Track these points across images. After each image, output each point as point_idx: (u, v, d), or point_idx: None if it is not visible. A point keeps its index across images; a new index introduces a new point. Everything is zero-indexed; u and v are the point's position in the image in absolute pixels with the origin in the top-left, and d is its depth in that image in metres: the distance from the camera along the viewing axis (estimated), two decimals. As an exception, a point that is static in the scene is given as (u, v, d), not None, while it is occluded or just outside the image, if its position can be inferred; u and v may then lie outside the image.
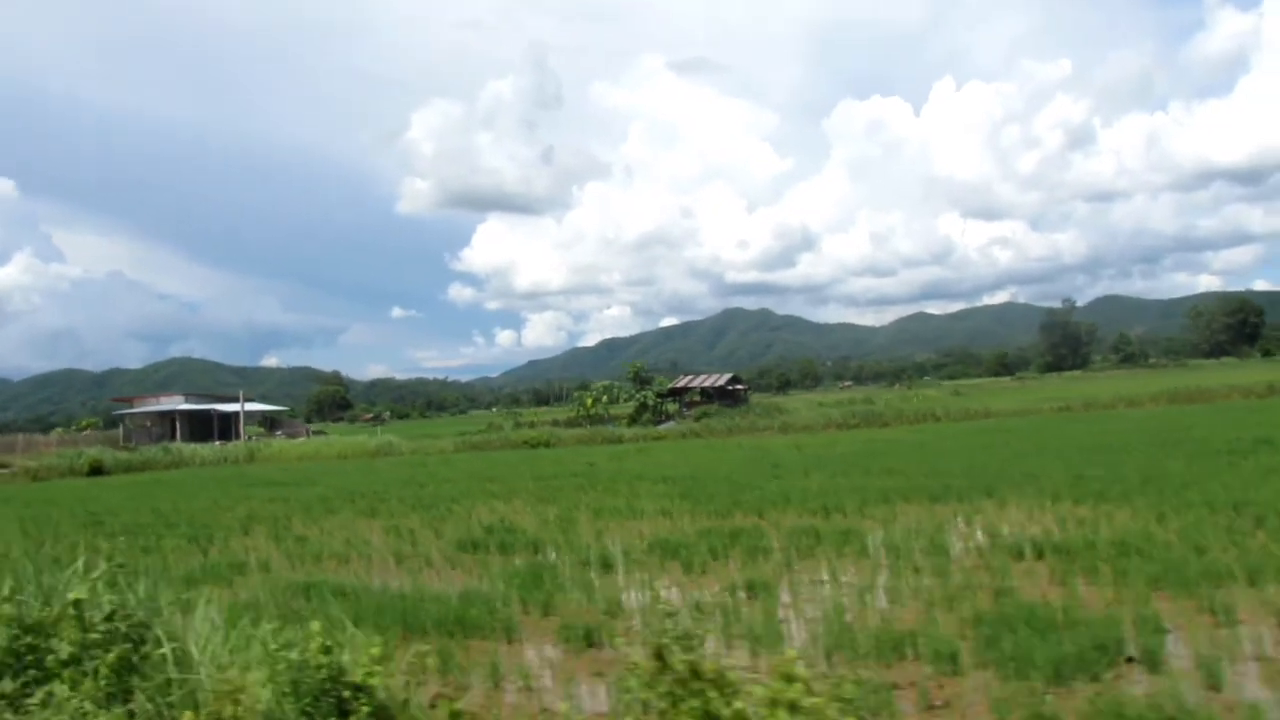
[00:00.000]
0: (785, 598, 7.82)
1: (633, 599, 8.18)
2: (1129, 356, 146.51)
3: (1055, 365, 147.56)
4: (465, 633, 7.26)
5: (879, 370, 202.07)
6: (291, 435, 48.90)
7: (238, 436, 48.39)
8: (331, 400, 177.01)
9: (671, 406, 51.12)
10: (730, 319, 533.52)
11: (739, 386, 53.18)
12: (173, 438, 45.28)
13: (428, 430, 66.37)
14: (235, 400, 51.69)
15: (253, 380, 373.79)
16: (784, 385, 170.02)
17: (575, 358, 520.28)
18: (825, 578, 8.49)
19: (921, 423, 39.63)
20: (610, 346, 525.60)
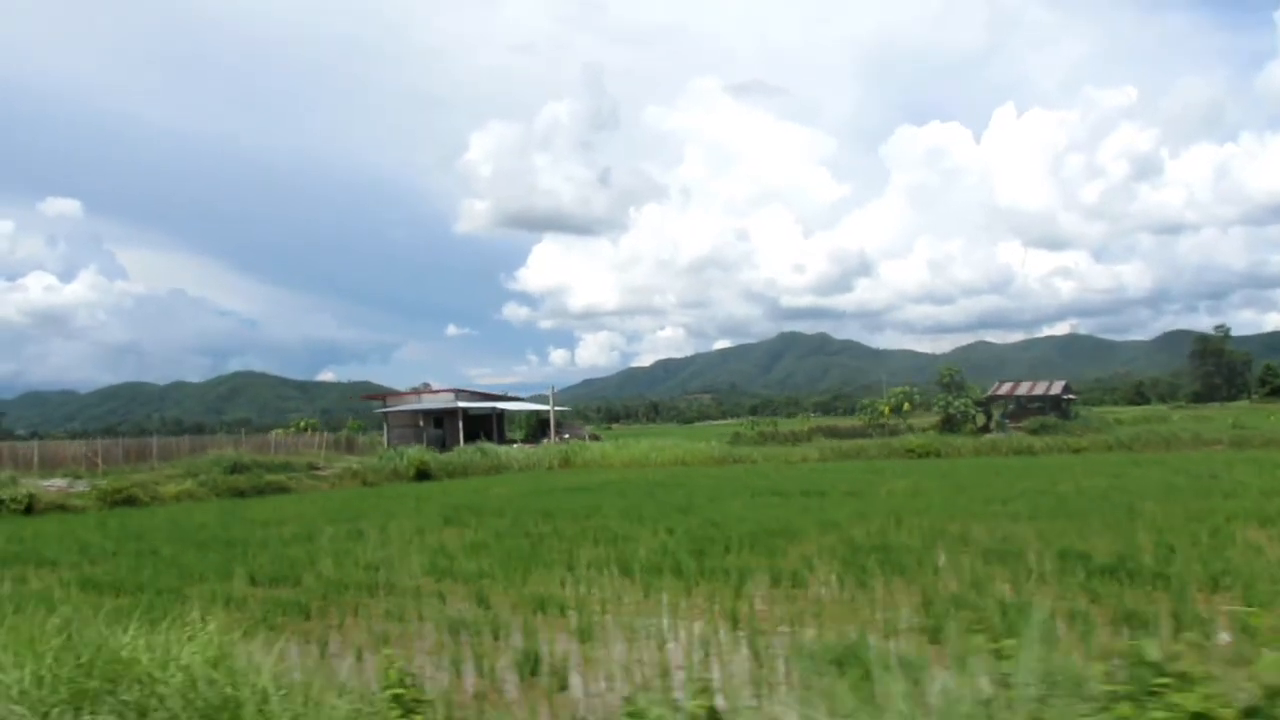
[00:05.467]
0: None
1: None
2: (1276, 390, 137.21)
3: (1206, 395, 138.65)
4: None
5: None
6: (575, 437, 43.45)
7: (502, 439, 42.94)
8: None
9: (981, 418, 44.77)
10: (787, 342, 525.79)
11: (1070, 396, 46.63)
12: (450, 439, 39.85)
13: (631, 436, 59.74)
14: (499, 399, 46.34)
15: (314, 394, 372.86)
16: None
17: (630, 377, 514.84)
18: None
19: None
20: (666, 367, 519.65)
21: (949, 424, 44.59)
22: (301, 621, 9.14)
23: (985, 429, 43.63)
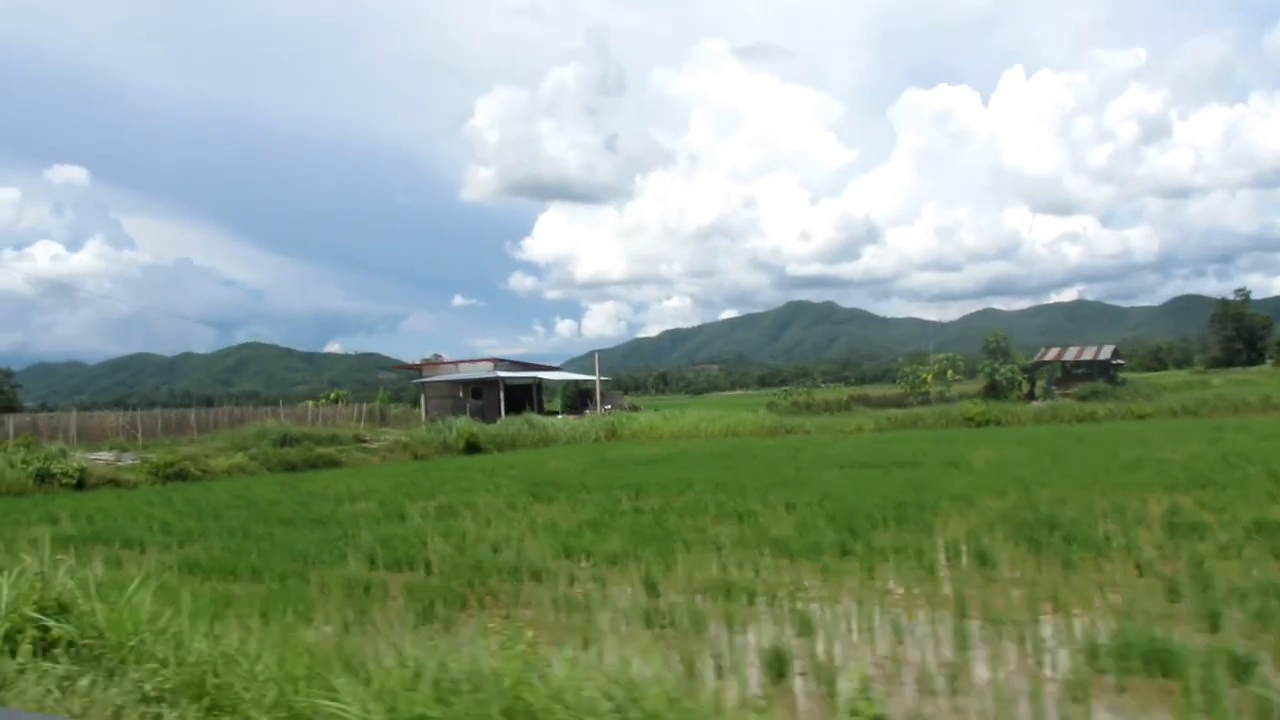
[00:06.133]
0: None
1: None
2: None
3: (1226, 360, 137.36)
4: None
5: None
6: (616, 408, 42.51)
7: (540, 409, 41.99)
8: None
9: (1025, 384, 43.73)
10: (794, 311, 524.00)
11: (1119, 361, 45.53)
12: (489, 410, 38.85)
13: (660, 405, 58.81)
14: (539, 369, 45.29)
15: (321, 366, 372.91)
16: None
17: (637, 348, 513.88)
18: None
19: None
20: (673, 337, 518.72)
21: (993, 391, 43.63)
22: (459, 611, 8.25)
23: (1030, 396, 42.67)
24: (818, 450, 24.38)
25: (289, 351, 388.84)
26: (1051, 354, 45.78)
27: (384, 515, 14.77)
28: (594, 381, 44.62)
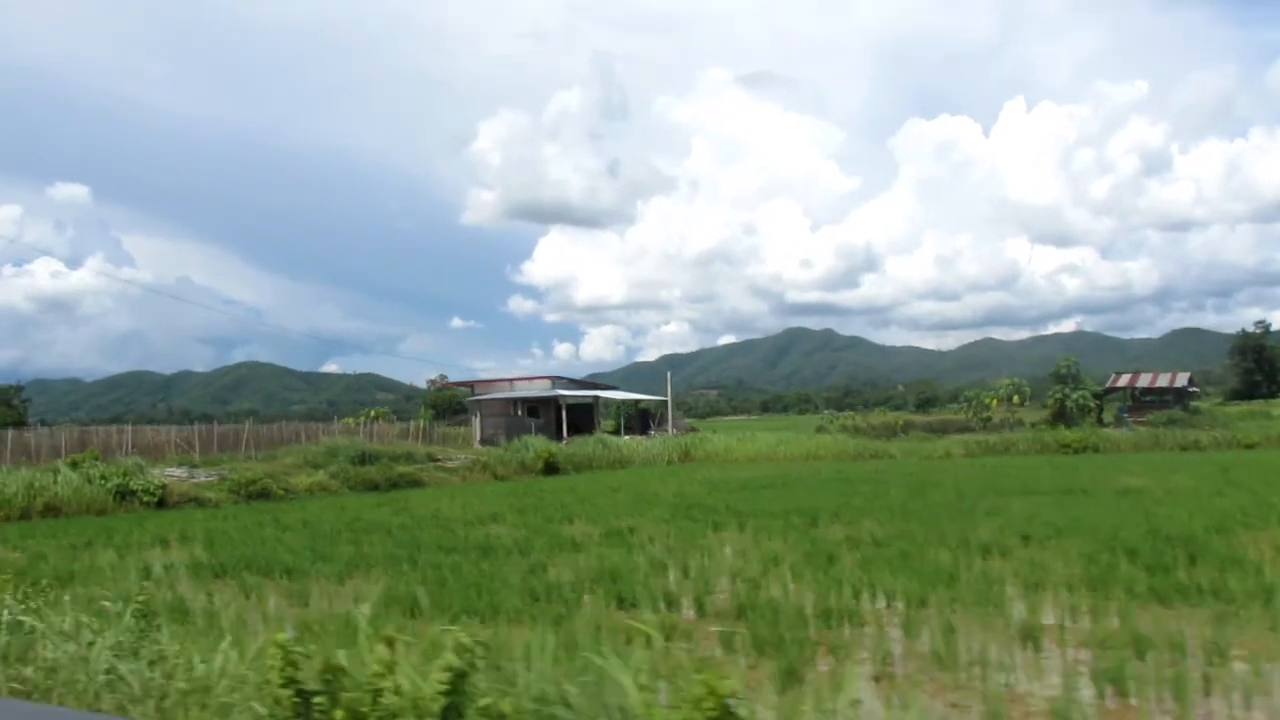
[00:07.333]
0: None
1: None
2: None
3: (1247, 393, 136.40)
4: None
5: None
6: (678, 430, 40.92)
7: (594, 429, 40.31)
8: (448, 406, 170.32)
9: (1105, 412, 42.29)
10: (793, 338, 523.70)
11: (1194, 389, 44.16)
12: (547, 429, 37.18)
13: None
14: (597, 387, 43.72)
15: (319, 385, 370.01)
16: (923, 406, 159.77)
17: (635, 372, 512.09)
18: None
19: None
20: (671, 362, 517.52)
21: (1061, 417, 42.20)
22: (806, 666, 6.67)
23: (1099, 423, 41.25)
24: (949, 476, 22.88)
25: (287, 371, 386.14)
26: (1124, 380, 44.44)
27: (553, 544, 13.16)
28: (653, 401, 42.90)
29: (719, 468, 30.18)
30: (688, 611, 8.64)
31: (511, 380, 44.02)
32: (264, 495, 21.78)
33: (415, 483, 24.53)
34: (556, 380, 42.87)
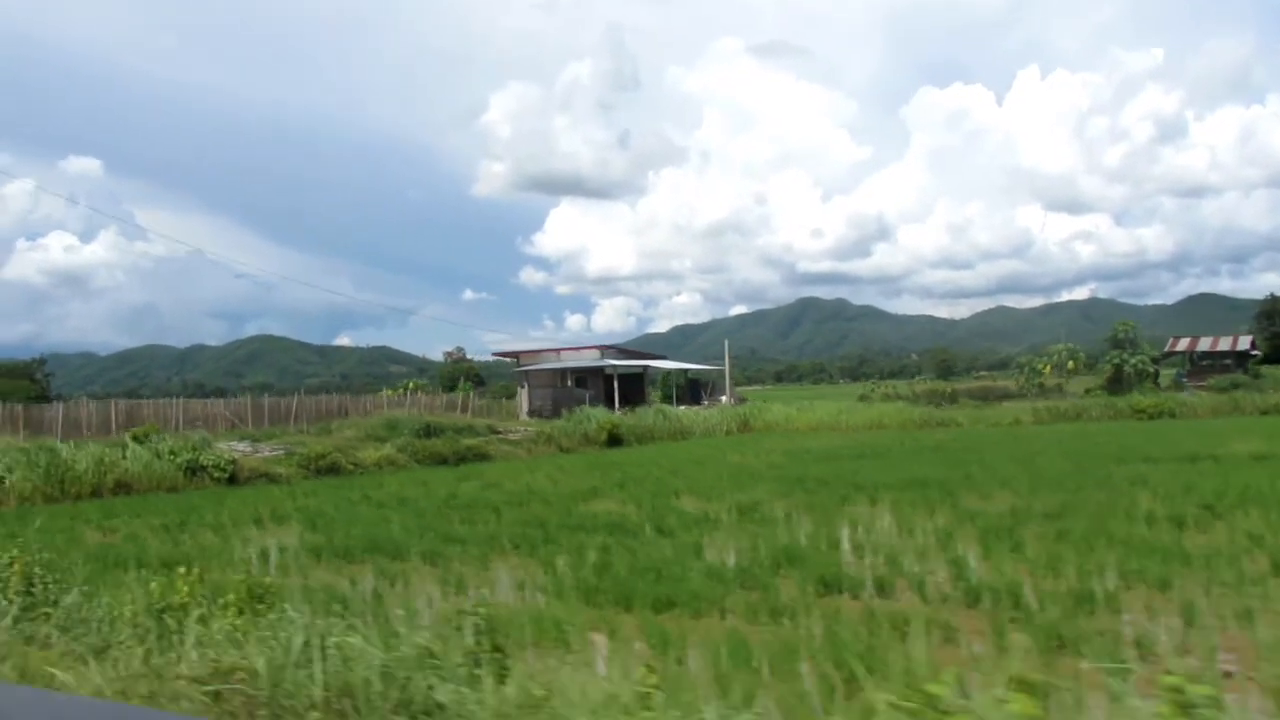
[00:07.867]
0: None
1: None
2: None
3: (1274, 358, 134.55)
4: None
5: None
6: (733, 400, 40.08)
7: (644, 399, 39.45)
8: (465, 377, 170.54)
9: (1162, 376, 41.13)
10: (804, 308, 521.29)
11: (1255, 352, 43.01)
12: (596, 400, 36.31)
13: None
14: (646, 357, 42.80)
15: (332, 359, 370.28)
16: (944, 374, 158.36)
17: (647, 343, 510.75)
18: None
19: None
20: (683, 333, 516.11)
21: (1117, 383, 41.12)
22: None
23: (1157, 387, 40.15)
24: (1043, 444, 22.08)
25: (300, 344, 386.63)
26: (1183, 344, 43.26)
27: (683, 521, 12.30)
28: (706, 371, 41.87)
29: (784, 437, 29.30)
30: (905, 595, 7.79)
31: (559, 350, 43.03)
32: (334, 470, 21.04)
33: (482, 456, 23.72)
34: (605, 350, 41.89)
